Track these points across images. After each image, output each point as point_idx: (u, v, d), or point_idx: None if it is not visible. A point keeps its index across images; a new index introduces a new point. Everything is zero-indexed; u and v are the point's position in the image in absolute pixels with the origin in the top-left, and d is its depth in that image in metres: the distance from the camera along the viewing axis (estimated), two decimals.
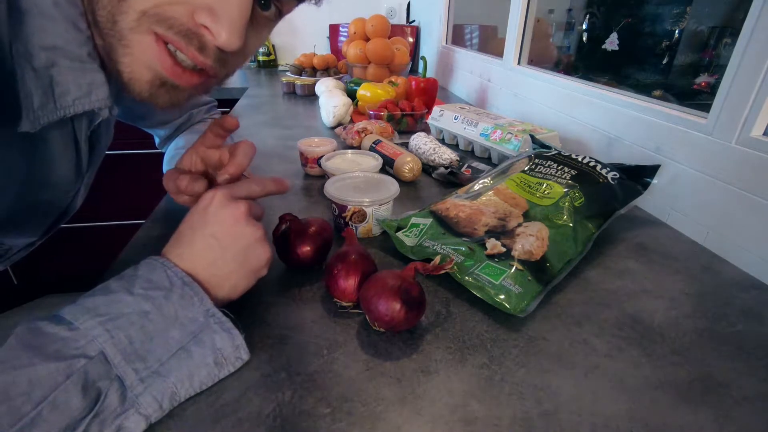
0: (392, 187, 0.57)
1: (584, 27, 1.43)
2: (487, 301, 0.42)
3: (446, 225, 0.53)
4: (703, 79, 1.07)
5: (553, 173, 0.57)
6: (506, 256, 0.46)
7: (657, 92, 0.95)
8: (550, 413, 0.32)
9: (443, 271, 0.41)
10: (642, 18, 1.25)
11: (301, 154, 0.76)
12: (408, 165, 0.73)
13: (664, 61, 1.18)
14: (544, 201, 0.53)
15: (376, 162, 0.70)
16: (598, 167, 0.58)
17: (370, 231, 0.56)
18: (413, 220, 0.55)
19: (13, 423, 0.25)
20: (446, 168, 0.76)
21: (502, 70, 1.21)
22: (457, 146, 0.95)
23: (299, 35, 2.14)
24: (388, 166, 0.75)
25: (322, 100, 1.16)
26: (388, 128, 0.92)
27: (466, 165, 0.75)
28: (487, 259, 0.46)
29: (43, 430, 0.26)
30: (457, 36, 1.76)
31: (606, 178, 0.56)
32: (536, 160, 0.60)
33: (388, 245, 0.54)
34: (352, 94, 1.24)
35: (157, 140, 0.76)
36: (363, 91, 1.16)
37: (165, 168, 0.68)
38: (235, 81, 1.69)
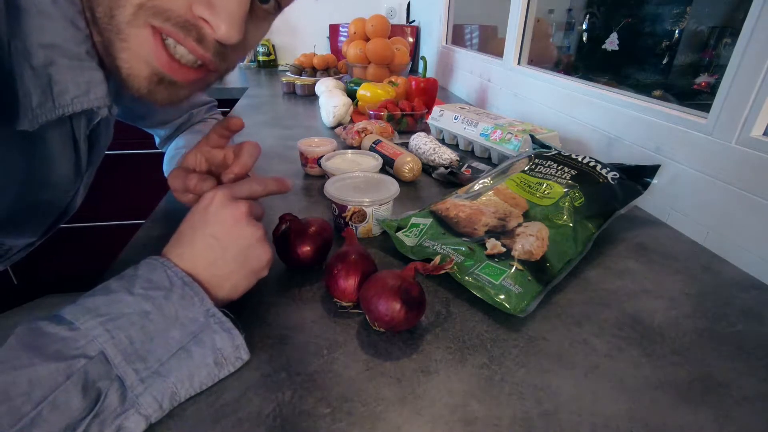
0: (392, 187, 0.57)
1: (584, 27, 1.43)
2: (487, 301, 0.42)
3: (446, 225, 0.53)
4: (703, 79, 1.07)
5: (553, 173, 0.57)
6: (506, 256, 0.46)
7: (657, 92, 0.95)
8: (550, 413, 0.32)
9: (443, 271, 0.41)
10: (642, 18, 1.25)
11: (301, 154, 0.76)
12: (408, 165, 0.73)
13: (664, 61, 1.18)
14: (544, 201, 0.53)
15: (376, 162, 0.70)
16: (598, 167, 0.58)
17: (370, 231, 0.56)
18: (413, 220, 0.55)
19: (14, 423, 0.25)
20: (446, 168, 0.76)
21: (502, 70, 1.21)
22: (457, 146, 0.95)
23: (299, 35, 2.14)
24: (388, 166, 0.75)
25: (322, 100, 1.16)
26: (388, 128, 0.92)
27: (466, 165, 0.75)
28: (487, 259, 0.46)
29: (43, 430, 0.26)
30: (457, 36, 1.76)
31: (606, 178, 0.56)
32: (536, 160, 0.60)
33: (388, 245, 0.54)
34: (352, 94, 1.24)
35: (157, 140, 0.76)
36: (363, 91, 1.16)
37: (165, 168, 0.68)
38: (235, 81, 1.70)
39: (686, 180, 0.60)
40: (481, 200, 0.55)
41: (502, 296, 0.42)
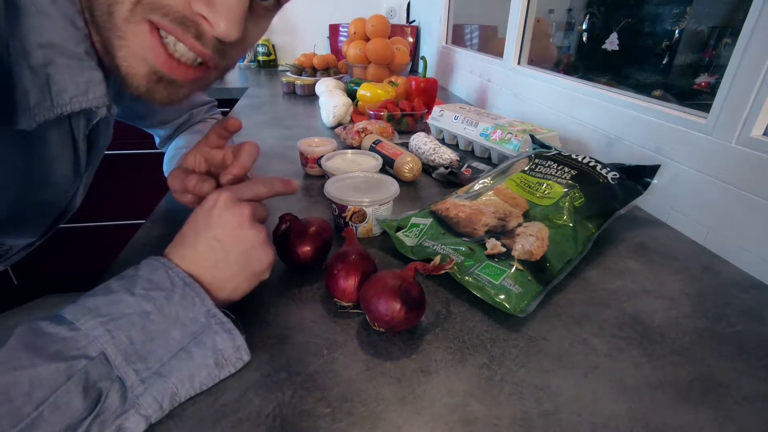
0: (392, 187, 0.57)
1: (584, 27, 1.43)
2: (487, 301, 0.42)
3: (446, 225, 0.53)
4: (703, 79, 1.07)
5: (553, 173, 0.57)
6: (506, 256, 0.46)
7: (657, 92, 0.95)
8: (550, 413, 0.32)
9: (443, 271, 0.41)
10: (642, 18, 1.25)
11: (301, 154, 0.76)
12: (408, 165, 0.73)
13: (664, 61, 1.18)
14: (544, 201, 0.53)
15: (376, 162, 0.70)
16: (598, 167, 0.58)
17: (370, 231, 0.56)
18: (413, 220, 0.55)
19: (15, 424, 0.25)
20: (446, 168, 0.76)
21: (502, 70, 1.21)
22: (457, 146, 0.95)
23: (299, 35, 2.14)
24: (388, 166, 0.75)
25: (322, 100, 1.16)
26: (388, 128, 0.92)
27: (466, 165, 0.75)
28: (487, 259, 0.46)
29: (44, 430, 0.26)
30: (457, 36, 1.76)
31: (606, 178, 0.56)
32: (536, 160, 0.60)
33: (388, 245, 0.54)
34: (352, 94, 1.24)
35: (157, 140, 0.76)
36: (363, 91, 1.16)
37: (165, 168, 0.68)
38: (235, 81, 1.70)
39: (686, 180, 0.60)
40: (481, 200, 0.55)
41: (502, 296, 0.42)
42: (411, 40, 1.98)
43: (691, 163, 0.59)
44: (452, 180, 0.75)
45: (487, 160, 0.86)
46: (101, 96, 0.36)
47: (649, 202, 0.67)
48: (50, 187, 0.44)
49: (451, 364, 0.37)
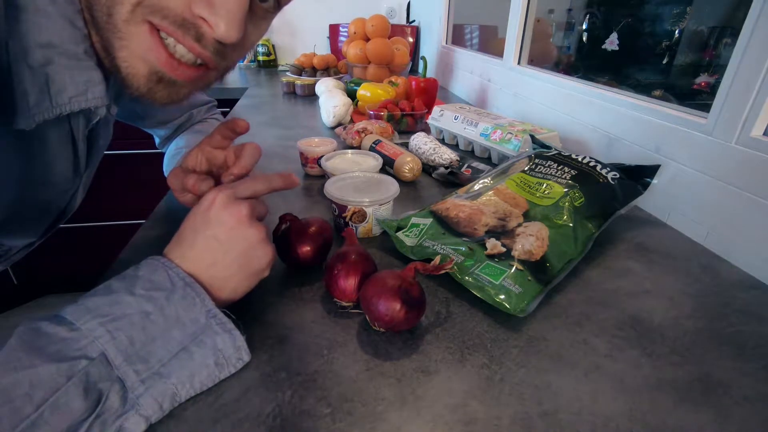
0: (392, 187, 0.57)
1: (584, 27, 1.43)
2: (487, 301, 0.42)
3: (446, 225, 0.53)
4: (703, 79, 1.07)
5: (553, 173, 0.57)
6: (506, 256, 0.46)
7: (657, 92, 0.95)
8: (550, 413, 0.32)
9: (443, 271, 0.41)
10: (642, 18, 1.25)
11: (301, 154, 0.76)
12: (408, 165, 0.73)
13: (664, 61, 1.18)
14: (544, 201, 0.53)
15: (376, 162, 0.70)
16: (598, 167, 0.58)
17: (370, 231, 0.56)
18: (413, 220, 0.55)
19: (15, 425, 0.25)
20: (446, 168, 0.76)
21: (502, 70, 1.21)
22: (457, 146, 0.95)
23: (299, 35, 2.14)
24: (388, 166, 0.75)
25: (322, 100, 1.16)
26: (388, 128, 0.92)
27: (466, 165, 0.75)
28: (487, 259, 0.46)
29: (44, 431, 0.26)
30: (457, 36, 1.76)
31: (606, 178, 0.56)
32: (536, 160, 0.60)
33: (388, 245, 0.54)
34: (352, 94, 1.24)
35: (157, 140, 0.76)
36: (363, 91, 1.16)
37: (165, 168, 0.68)
38: (235, 81, 1.70)
39: (686, 180, 0.60)
40: (481, 200, 0.55)
41: (502, 296, 0.42)
42: (411, 40, 1.98)
43: (691, 163, 0.59)
44: (452, 180, 0.75)
45: (487, 160, 0.86)
46: (101, 96, 0.36)
47: (649, 202, 0.67)
48: (50, 187, 0.44)
49: (451, 364, 0.37)
